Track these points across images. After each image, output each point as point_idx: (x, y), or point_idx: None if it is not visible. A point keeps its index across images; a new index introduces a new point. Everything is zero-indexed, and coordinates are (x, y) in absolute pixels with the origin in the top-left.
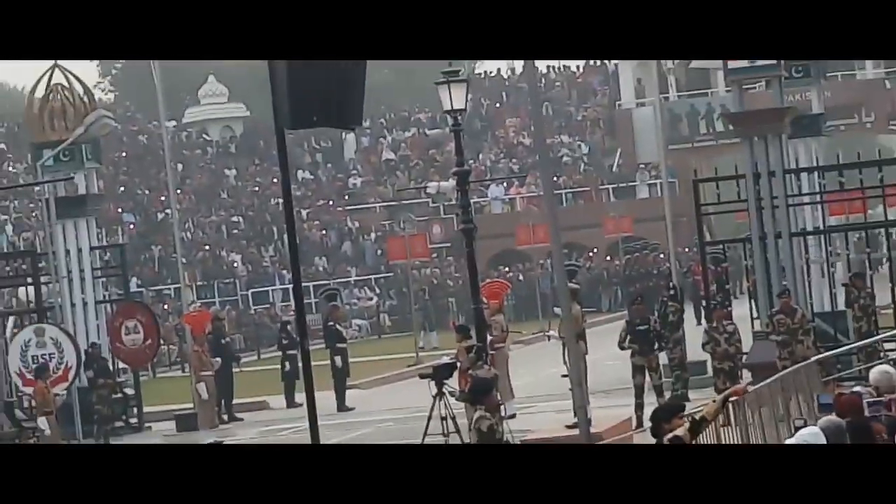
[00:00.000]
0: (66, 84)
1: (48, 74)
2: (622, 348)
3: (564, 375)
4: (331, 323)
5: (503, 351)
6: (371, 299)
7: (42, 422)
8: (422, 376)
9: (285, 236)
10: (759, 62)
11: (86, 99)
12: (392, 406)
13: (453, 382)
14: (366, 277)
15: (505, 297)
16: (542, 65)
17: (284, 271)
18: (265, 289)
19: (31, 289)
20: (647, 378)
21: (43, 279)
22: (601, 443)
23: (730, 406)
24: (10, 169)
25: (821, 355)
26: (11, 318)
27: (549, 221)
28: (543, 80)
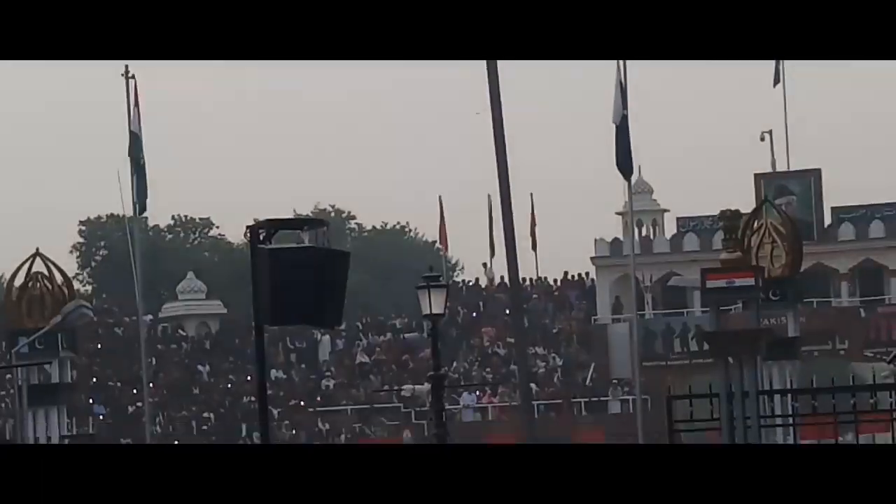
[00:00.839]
0: (45, 273)
1: (28, 263)
2: None
3: None
4: None
5: None
6: None
7: None
8: None
9: (255, 434)
10: (738, 283)
11: (65, 288)
12: None
13: None
14: None
15: None
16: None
17: None
18: None
19: None
20: None
21: None
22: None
23: None
24: None
25: None
26: None
27: (525, 432)
28: (510, 291)
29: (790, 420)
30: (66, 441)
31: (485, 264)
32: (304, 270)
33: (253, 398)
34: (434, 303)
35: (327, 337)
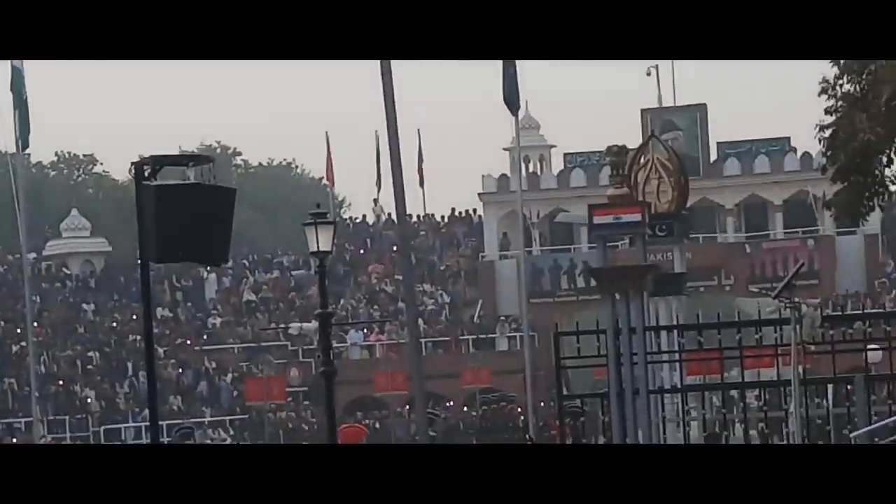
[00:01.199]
0: None
1: None
2: None
3: None
4: None
5: None
6: (225, 440)
7: None
8: None
9: (141, 373)
10: (624, 219)
11: None
12: None
13: None
14: (221, 418)
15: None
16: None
17: (137, 409)
18: (118, 426)
19: None
20: None
21: None
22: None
23: None
24: None
25: None
26: None
27: (413, 369)
28: (398, 227)
29: (676, 356)
30: None
31: (375, 200)
32: (189, 207)
33: (139, 337)
34: (321, 240)
35: (213, 275)
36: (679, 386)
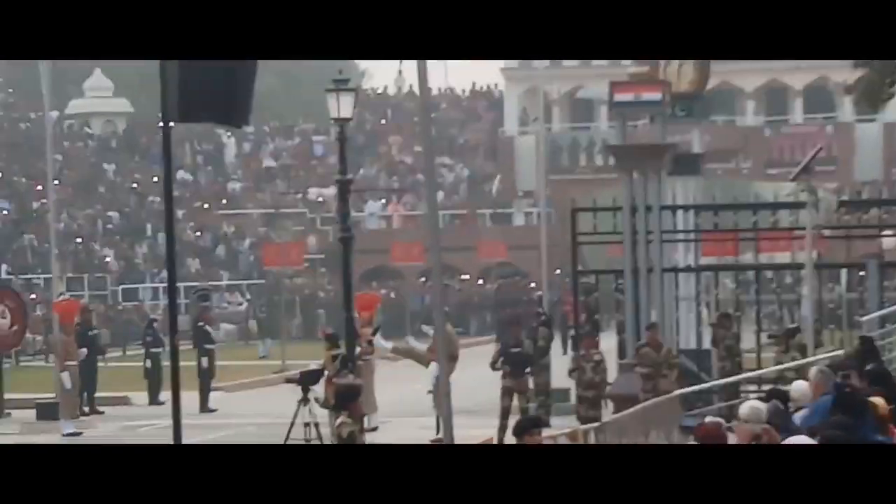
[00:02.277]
0: None
1: None
2: (494, 369)
3: (430, 391)
4: (200, 323)
5: (370, 363)
6: (241, 304)
7: None
8: (288, 381)
9: (160, 235)
10: (645, 97)
11: None
12: (255, 411)
13: (319, 389)
14: (238, 282)
15: (376, 310)
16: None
17: (155, 270)
18: (135, 286)
19: None
20: (515, 401)
21: None
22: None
23: (591, 434)
24: None
25: (683, 390)
26: None
27: (430, 240)
28: (420, 99)
29: (692, 236)
30: None
31: (400, 71)
32: (212, 67)
33: (158, 198)
34: (342, 106)
35: (233, 140)
36: (693, 266)
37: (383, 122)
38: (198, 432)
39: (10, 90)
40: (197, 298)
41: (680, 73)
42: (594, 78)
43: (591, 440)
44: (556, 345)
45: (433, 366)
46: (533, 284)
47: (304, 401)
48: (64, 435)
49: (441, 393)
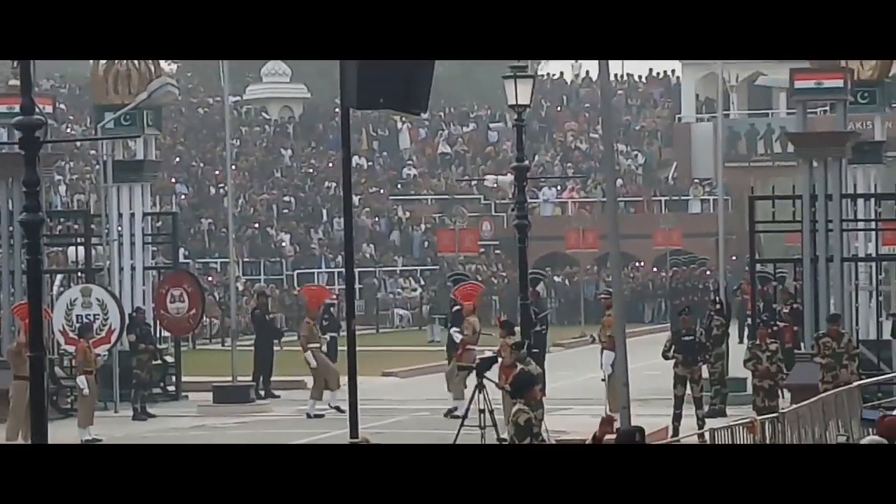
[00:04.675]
0: None
1: None
2: (666, 357)
3: (603, 380)
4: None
5: (472, 353)
6: (415, 290)
7: (82, 380)
8: (462, 368)
9: (335, 220)
10: (826, 84)
11: (151, 66)
12: (428, 396)
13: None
14: (412, 268)
15: (478, 299)
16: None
17: (330, 255)
18: (311, 271)
19: (80, 249)
20: (688, 390)
21: (93, 241)
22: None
23: (766, 424)
24: (69, 130)
25: (864, 381)
26: (59, 277)
27: (609, 228)
28: (600, 88)
29: (872, 225)
30: (149, 218)
31: None
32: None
33: (334, 184)
34: (520, 93)
35: (408, 125)
36: (874, 255)
37: (558, 108)
38: (371, 417)
39: (189, 74)
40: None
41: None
42: (773, 63)
43: (769, 431)
44: (733, 333)
45: (608, 354)
46: (708, 272)
47: (479, 387)
48: (83, 441)
49: (618, 382)
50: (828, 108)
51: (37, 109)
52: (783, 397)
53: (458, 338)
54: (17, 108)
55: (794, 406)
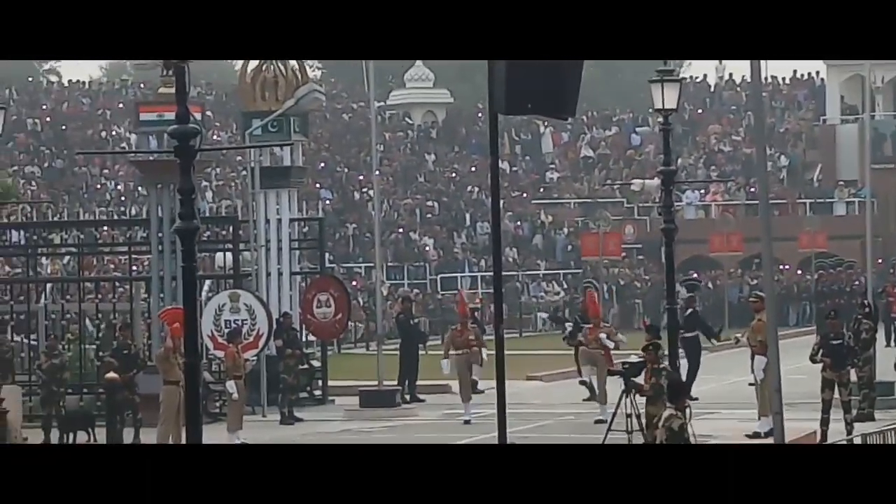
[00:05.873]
0: None
1: None
2: (814, 361)
3: (751, 384)
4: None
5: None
6: (558, 294)
7: (231, 385)
8: (611, 373)
9: (478, 224)
10: None
11: (298, 73)
12: (573, 400)
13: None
14: (555, 272)
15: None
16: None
17: (473, 259)
18: (454, 275)
19: (228, 255)
20: (836, 394)
21: (241, 246)
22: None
23: None
24: (215, 137)
25: None
26: (207, 282)
27: (762, 230)
28: (749, 90)
29: None
30: (295, 223)
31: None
32: (539, 60)
33: (477, 188)
34: (667, 97)
35: (550, 129)
36: None
37: (700, 111)
38: (517, 420)
39: (333, 80)
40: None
41: None
42: None
43: None
44: (880, 336)
45: (759, 359)
46: (854, 275)
47: (627, 391)
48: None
49: (771, 388)
50: None
51: (191, 118)
52: None
53: (609, 344)
54: (166, 116)
55: None
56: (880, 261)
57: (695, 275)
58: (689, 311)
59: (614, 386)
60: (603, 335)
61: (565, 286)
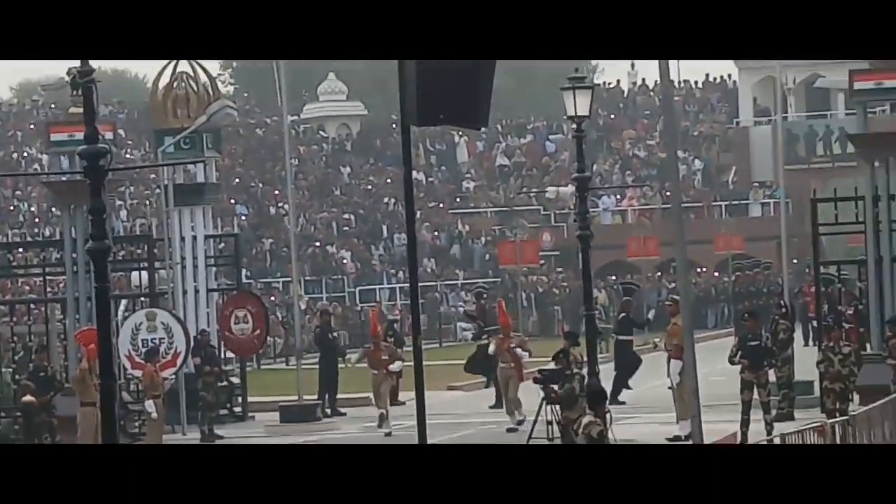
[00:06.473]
0: (191, 73)
1: (174, 62)
2: (732, 363)
3: (670, 388)
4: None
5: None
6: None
7: (150, 404)
8: (535, 381)
9: (395, 235)
10: (886, 84)
11: (209, 89)
12: (494, 409)
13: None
14: (474, 281)
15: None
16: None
17: (392, 270)
18: (372, 287)
19: (144, 273)
20: (755, 394)
21: (156, 265)
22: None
23: (837, 427)
24: (128, 155)
25: None
26: (123, 302)
27: (675, 234)
28: (662, 94)
29: None
30: (211, 240)
31: (633, 64)
32: (451, 69)
33: (394, 200)
34: (579, 104)
35: (465, 139)
36: None
37: (612, 116)
38: (440, 431)
39: (246, 95)
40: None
41: None
42: (830, 65)
43: (839, 434)
44: (797, 336)
45: (675, 363)
46: (771, 276)
47: (547, 399)
48: None
49: (688, 391)
50: (887, 108)
51: (100, 137)
52: (853, 400)
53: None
54: (78, 136)
55: (864, 408)
56: (795, 261)
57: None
58: (622, 315)
59: (531, 394)
60: (514, 345)
61: (485, 295)
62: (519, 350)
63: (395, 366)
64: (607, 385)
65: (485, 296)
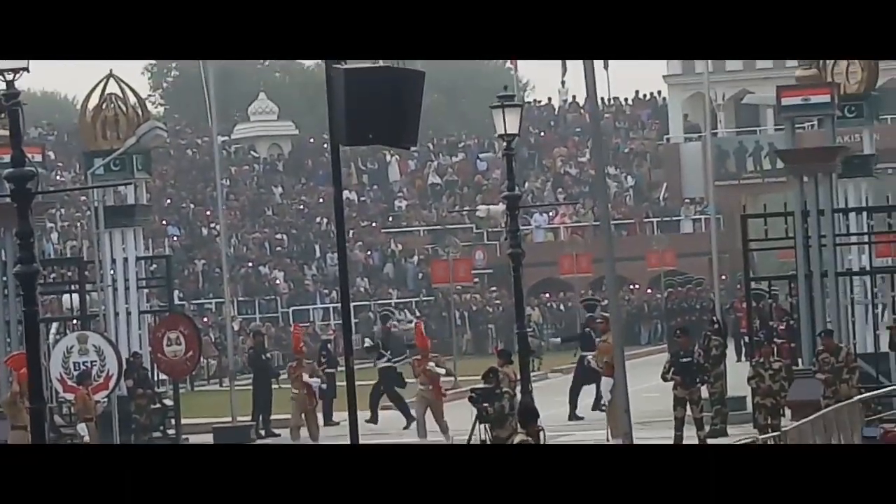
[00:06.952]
0: (119, 94)
1: (102, 84)
2: (665, 379)
3: (603, 406)
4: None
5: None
6: (411, 322)
7: (82, 428)
8: (471, 399)
9: (328, 255)
10: (813, 100)
11: (139, 110)
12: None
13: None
14: (407, 300)
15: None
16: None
17: (325, 290)
18: (306, 307)
19: (75, 296)
20: (688, 411)
21: (87, 287)
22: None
23: (772, 443)
24: (58, 178)
25: (864, 395)
26: (54, 325)
27: (605, 252)
28: (589, 111)
29: (865, 238)
30: (142, 262)
31: (563, 82)
32: (379, 89)
33: (326, 220)
34: (509, 122)
35: (396, 158)
36: (868, 268)
37: (542, 133)
38: None
39: (177, 116)
40: (380, 319)
41: (848, 73)
42: (759, 81)
43: None
44: (730, 351)
45: (605, 380)
46: (703, 292)
47: (480, 418)
48: None
49: (619, 409)
50: (815, 123)
51: (27, 160)
52: (784, 415)
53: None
54: (4, 159)
55: (796, 423)
56: (724, 277)
57: (592, 294)
58: (586, 329)
59: (463, 412)
60: (432, 364)
61: (418, 314)
62: (431, 364)
63: (313, 381)
64: (547, 402)
65: (391, 319)
